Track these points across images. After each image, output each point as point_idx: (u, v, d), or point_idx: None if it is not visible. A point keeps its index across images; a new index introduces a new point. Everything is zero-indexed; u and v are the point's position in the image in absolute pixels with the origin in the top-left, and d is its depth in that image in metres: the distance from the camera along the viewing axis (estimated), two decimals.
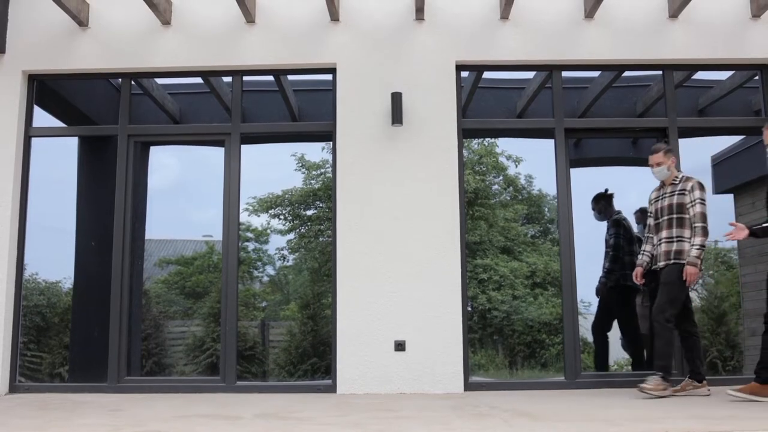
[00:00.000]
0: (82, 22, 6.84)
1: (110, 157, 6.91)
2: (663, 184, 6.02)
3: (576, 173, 6.79)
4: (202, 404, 5.46)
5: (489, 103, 7.21)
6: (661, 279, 5.79)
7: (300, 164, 7.30)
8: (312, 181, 7.34)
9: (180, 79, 7.17)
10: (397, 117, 6.56)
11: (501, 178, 7.56)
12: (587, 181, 6.93)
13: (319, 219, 7.28)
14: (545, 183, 7.04)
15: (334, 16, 6.77)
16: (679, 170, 6.11)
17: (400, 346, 6.33)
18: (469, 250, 6.80)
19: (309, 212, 7.32)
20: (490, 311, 7.09)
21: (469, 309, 6.72)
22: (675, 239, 5.79)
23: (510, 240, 7.35)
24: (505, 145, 7.47)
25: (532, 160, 7.28)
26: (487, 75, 7.06)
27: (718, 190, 7.35)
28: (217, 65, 6.89)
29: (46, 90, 7.11)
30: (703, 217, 5.71)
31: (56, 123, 7.30)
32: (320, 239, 7.30)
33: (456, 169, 6.61)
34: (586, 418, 4.39)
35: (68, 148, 7.18)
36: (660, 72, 6.91)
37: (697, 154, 6.97)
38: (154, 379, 6.72)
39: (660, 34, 6.80)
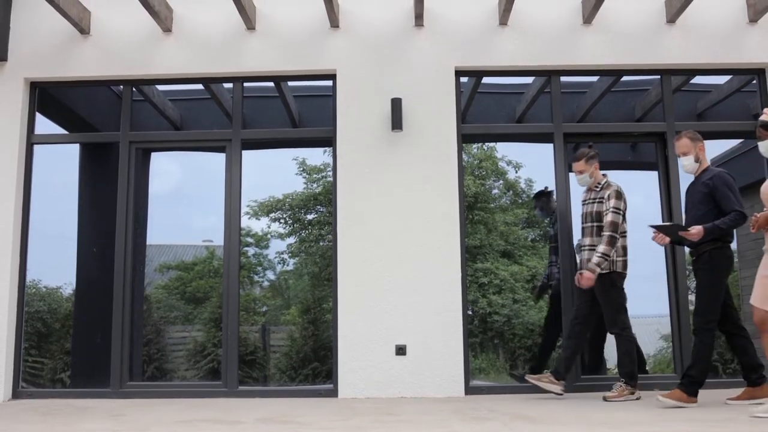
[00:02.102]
0: (83, 29, 6.87)
1: (111, 163, 6.94)
2: (589, 189, 6.07)
3: (575, 177, 6.82)
4: (204, 409, 5.48)
5: (488, 109, 7.24)
6: (595, 292, 5.82)
7: (301, 168, 7.32)
8: (313, 185, 7.36)
9: (180, 86, 7.21)
10: (396, 122, 6.60)
11: (501, 182, 7.58)
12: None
13: (320, 223, 7.29)
14: (544, 187, 7.06)
15: (334, 22, 6.81)
16: (604, 176, 6.11)
17: (401, 350, 6.36)
18: (469, 254, 6.83)
19: (309, 216, 7.33)
20: (491, 315, 7.10)
21: (470, 313, 6.74)
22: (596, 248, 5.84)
23: (510, 244, 7.37)
24: (504, 149, 7.49)
25: (532, 165, 7.30)
26: (486, 80, 7.10)
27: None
28: (218, 72, 6.92)
29: (48, 97, 7.15)
30: (614, 226, 5.76)
31: (58, 130, 7.33)
32: (321, 243, 7.32)
33: (456, 174, 6.64)
34: (585, 421, 4.42)
35: (69, 154, 7.21)
36: (658, 76, 6.95)
37: None
38: (156, 384, 6.74)
39: (658, 39, 6.83)
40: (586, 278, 5.72)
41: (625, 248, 5.85)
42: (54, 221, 7.01)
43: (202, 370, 6.86)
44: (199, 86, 7.14)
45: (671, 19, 6.78)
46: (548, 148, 6.88)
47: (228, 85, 7.06)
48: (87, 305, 7.02)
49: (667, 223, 5.33)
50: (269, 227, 7.21)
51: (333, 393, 6.39)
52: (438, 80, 6.77)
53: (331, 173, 7.07)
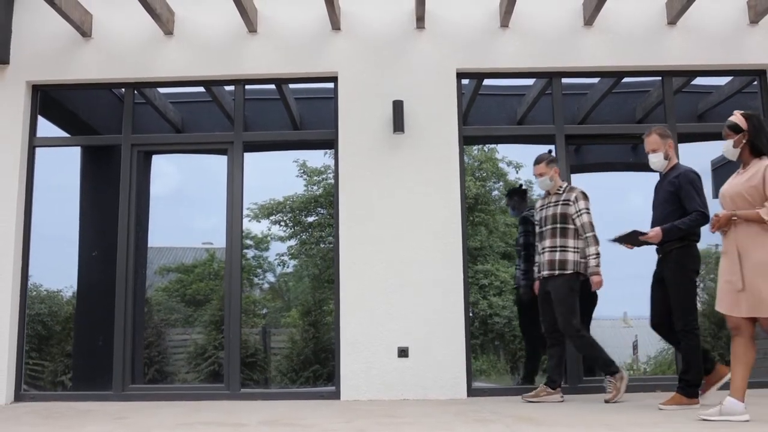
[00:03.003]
0: (85, 32, 6.88)
1: (113, 165, 6.95)
2: (548, 194, 6.09)
3: (576, 179, 6.84)
4: (206, 411, 5.48)
5: (489, 111, 7.25)
6: (552, 295, 5.82)
7: (302, 170, 7.32)
8: (313, 187, 7.36)
9: (182, 88, 7.21)
10: (398, 125, 6.60)
11: (501, 183, 7.59)
12: (588, 187, 6.95)
13: (320, 225, 7.30)
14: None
15: (336, 25, 6.82)
16: (564, 180, 6.17)
17: (403, 353, 6.36)
18: (470, 255, 6.83)
19: (310, 219, 7.33)
20: (492, 317, 7.10)
21: (471, 315, 6.74)
22: (558, 249, 5.86)
23: (511, 245, 7.37)
24: (505, 151, 7.50)
25: (531, 167, 7.31)
26: (487, 82, 7.11)
27: (719, 194, 7.36)
28: (220, 74, 6.93)
29: (50, 100, 7.16)
30: (592, 226, 5.83)
31: (60, 133, 7.33)
32: (321, 245, 7.32)
33: (457, 175, 6.65)
34: (587, 422, 4.42)
35: (71, 157, 7.21)
36: (659, 78, 6.96)
37: (697, 159, 6.98)
38: (158, 386, 6.74)
39: (659, 40, 6.84)
40: (597, 282, 5.76)
41: (584, 250, 5.88)
42: (55, 224, 7.01)
43: (203, 372, 6.86)
44: (201, 89, 7.14)
45: (672, 20, 6.79)
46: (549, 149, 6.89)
47: (229, 88, 7.07)
48: (88, 308, 7.02)
49: (625, 233, 5.33)
50: (269, 230, 7.21)
51: (335, 395, 6.39)
52: (439, 82, 6.78)
53: (331, 175, 7.08)
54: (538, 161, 6.03)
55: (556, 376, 5.88)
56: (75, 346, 6.93)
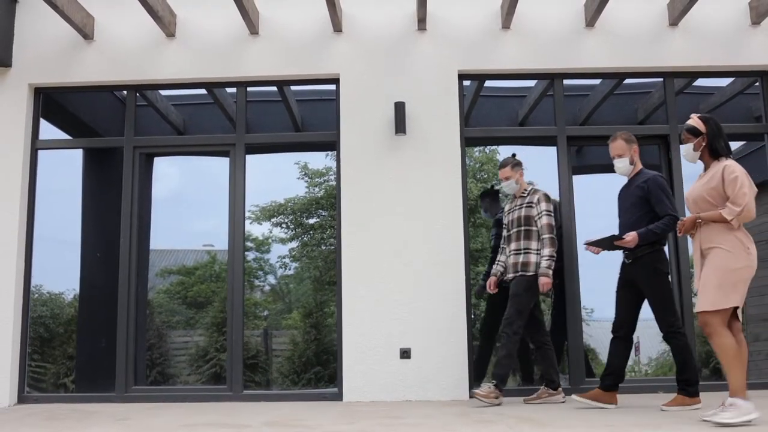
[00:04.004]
0: (87, 35, 6.89)
1: (114, 168, 6.96)
2: (514, 197, 6.14)
3: (578, 180, 6.85)
4: (209, 413, 5.48)
5: (490, 112, 7.25)
6: (510, 291, 5.89)
7: (303, 172, 7.32)
8: (315, 189, 7.36)
9: (183, 90, 7.21)
10: (400, 126, 6.61)
11: (502, 185, 7.58)
12: (590, 188, 6.96)
13: (322, 227, 7.29)
14: (547, 190, 7.07)
15: (337, 26, 6.83)
16: (529, 183, 6.19)
17: (405, 354, 6.36)
18: (471, 257, 6.83)
19: (311, 221, 7.33)
20: None
21: (472, 316, 6.74)
22: (522, 251, 5.91)
23: None
24: (506, 153, 7.49)
25: (533, 168, 7.29)
26: (488, 84, 7.11)
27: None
28: (221, 76, 6.94)
29: (52, 103, 7.16)
30: (550, 228, 5.85)
31: (62, 135, 7.33)
32: (322, 247, 7.32)
33: (459, 177, 6.66)
34: (589, 423, 4.41)
35: (73, 159, 7.21)
36: (661, 79, 6.96)
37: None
38: (161, 388, 6.74)
39: (660, 41, 6.85)
40: (544, 284, 5.76)
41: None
42: (57, 226, 7.01)
43: (204, 374, 6.85)
44: (202, 91, 7.15)
45: (673, 21, 6.80)
46: (550, 151, 6.90)
47: (231, 90, 7.07)
48: (90, 310, 7.02)
49: (601, 237, 5.35)
50: (271, 232, 7.21)
51: (338, 397, 6.39)
52: (441, 84, 6.79)
53: (333, 177, 7.08)
54: (503, 165, 6.09)
55: (554, 377, 5.90)
56: (77, 349, 6.93)
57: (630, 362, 7.22)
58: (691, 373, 5.17)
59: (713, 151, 4.60)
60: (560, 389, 5.90)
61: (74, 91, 7.14)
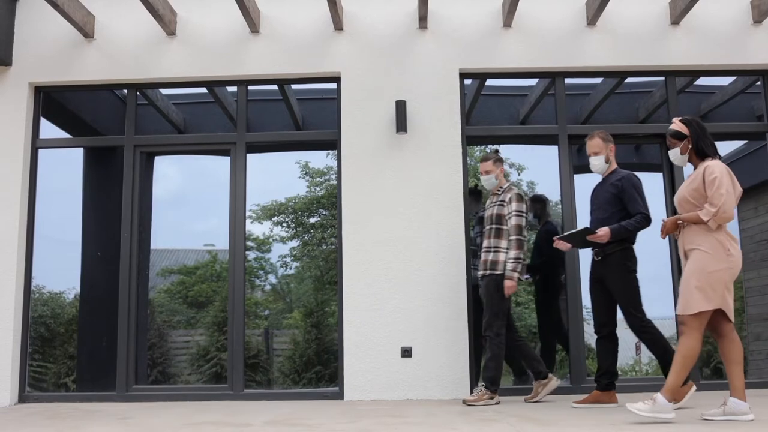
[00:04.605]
0: (87, 33, 6.88)
1: (115, 167, 6.95)
2: (491, 193, 6.11)
3: (580, 179, 6.84)
4: (210, 412, 5.47)
5: (491, 111, 7.24)
6: (480, 291, 5.88)
7: (304, 172, 7.31)
8: (316, 188, 7.35)
9: (184, 90, 7.20)
10: (401, 125, 6.60)
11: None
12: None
13: (323, 226, 7.28)
14: (548, 189, 7.06)
15: (338, 25, 6.82)
16: (507, 180, 6.15)
17: (406, 353, 6.36)
18: (473, 256, 6.82)
19: (312, 220, 7.32)
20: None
21: (474, 315, 6.72)
22: (492, 249, 5.88)
23: None
24: (507, 152, 7.48)
25: (534, 167, 7.29)
26: (489, 83, 7.10)
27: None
28: (222, 75, 6.93)
29: (52, 101, 7.15)
30: (519, 229, 5.80)
31: (62, 134, 7.32)
32: (323, 247, 7.31)
33: (461, 176, 6.65)
34: (593, 422, 4.40)
35: (73, 158, 7.20)
36: (662, 78, 6.96)
37: None
38: (161, 387, 6.73)
39: (662, 40, 6.84)
40: (508, 287, 5.73)
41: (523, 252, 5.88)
42: (58, 225, 7.00)
43: (205, 374, 6.84)
44: (203, 90, 7.14)
45: (675, 20, 6.79)
46: (551, 150, 6.89)
47: (231, 89, 7.06)
48: (91, 309, 7.01)
49: (573, 231, 5.37)
50: (272, 231, 7.20)
51: (339, 395, 6.39)
52: (442, 82, 6.78)
53: (334, 176, 7.07)
54: (486, 159, 6.04)
55: (539, 367, 5.87)
56: (79, 348, 6.92)
57: (630, 362, 7.25)
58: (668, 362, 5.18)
59: (699, 152, 4.60)
60: (550, 374, 5.88)
61: (74, 90, 7.13)
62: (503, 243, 5.86)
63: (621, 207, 5.37)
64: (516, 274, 5.73)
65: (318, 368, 6.78)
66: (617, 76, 7.02)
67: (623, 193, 5.36)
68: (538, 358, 5.94)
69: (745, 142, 7.18)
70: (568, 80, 6.95)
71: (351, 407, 5.71)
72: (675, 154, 4.68)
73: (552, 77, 6.93)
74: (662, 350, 5.24)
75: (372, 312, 6.45)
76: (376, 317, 6.43)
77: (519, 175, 7.55)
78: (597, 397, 5.40)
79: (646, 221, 5.26)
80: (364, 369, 6.36)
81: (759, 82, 6.99)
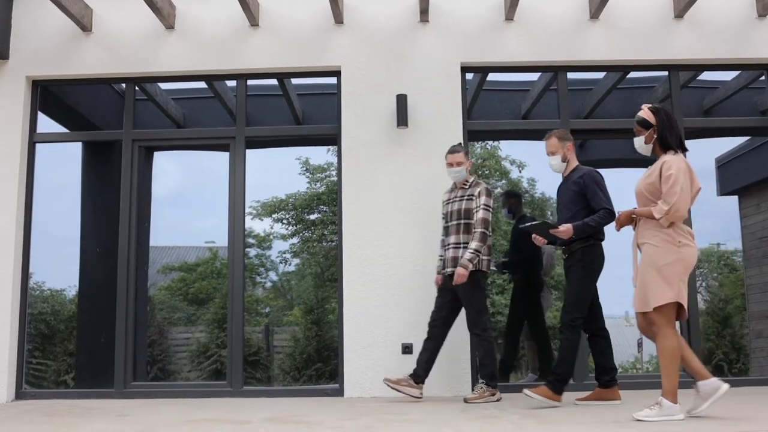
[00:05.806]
0: (85, 27, 6.83)
1: (114, 162, 6.90)
2: (455, 187, 5.99)
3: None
4: (210, 409, 5.44)
5: (493, 106, 7.20)
6: (458, 292, 5.71)
7: (304, 168, 7.28)
8: (316, 185, 7.32)
9: (183, 84, 7.16)
10: (402, 119, 6.56)
11: (504, 181, 7.54)
12: None
13: (323, 223, 7.26)
14: (548, 186, 7.04)
15: (338, 18, 6.77)
16: (473, 174, 6.05)
17: (407, 350, 6.31)
18: None
19: (313, 216, 7.29)
20: (494, 315, 7.05)
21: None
22: (462, 245, 5.75)
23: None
24: (508, 148, 7.46)
25: (535, 164, 7.27)
26: (491, 77, 7.05)
27: (723, 191, 7.31)
28: (221, 69, 6.88)
29: (50, 95, 7.11)
30: (485, 223, 5.69)
31: (60, 129, 7.28)
32: (324, 243, 7.28)
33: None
34: (595, 419, 4.37)
35: (71, 153, 7.17)
36: (665, 73, 6.91)
37: (702, 156, 6.95)
38: (160, 384, 6.70)
39: (665, 34, 6.79)
40: (459, 275, 5.56)
41: (490, 247, 5.78)
42: (57, 221, 6.97)
43: (205, 371, 6.83)
44: (202, 84, 7.09)
45: (679, 14, 6.74)
46: None
47: (231, 83, 7.01)
48: (90, 306, 6.99)
49: (537, 222, 5.31)
50: (272, 228, 7.17)
51: (339, 393, 6.35)
52: (443, 76, 6.73)
53: (334, 173, 7.04)
54: (456, 150, 5.90)
55: (422, 371, 5.76)
56: (78, 344, 6.89)
57: (632, 359, 7.23)
58: (566, 370, 5.15)
59: (664, 143, 4.47)
60: (421, 385, 5.76)
61: (72, 84, 7.09)
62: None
63: (585, 204, 5.29)
64: (471, 265, 5.57)
65: (318, 365, 6.76)
66: (620, 70, 6.96)
67: (585, 189, 5.29)
68: (429, 366, 5.79)
69: (749, 137, 7.15)
70: (570, 74, 6.89)
71: (351, 404, 5.67)
72: (639, 143, 4.58)
73: (554, 71, 6.88)
74: (560, 359, 5.16)
75: (373, 309, 6.40)
76: (376, 314, 6.39)
77: (520, 172, 7.52)
78: (600, 394, 5.36)
79: (610, 216, 5.15)
80: (364, 366, 6.31)
81: (763, 77, 6.95)
